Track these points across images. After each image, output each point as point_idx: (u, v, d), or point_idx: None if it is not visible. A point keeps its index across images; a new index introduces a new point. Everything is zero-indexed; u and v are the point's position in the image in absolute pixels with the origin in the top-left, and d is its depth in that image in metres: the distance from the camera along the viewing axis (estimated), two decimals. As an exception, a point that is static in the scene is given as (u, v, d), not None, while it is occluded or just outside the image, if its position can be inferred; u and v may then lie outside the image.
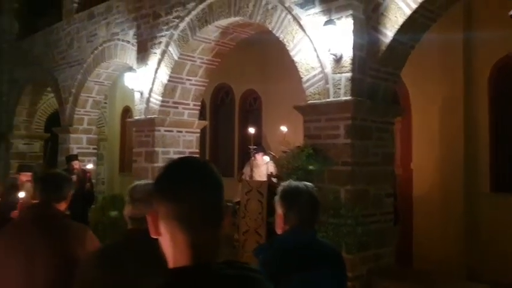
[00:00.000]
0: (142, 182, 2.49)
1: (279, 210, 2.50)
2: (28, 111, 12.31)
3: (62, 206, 3.02)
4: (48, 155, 10.51)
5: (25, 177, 6.82)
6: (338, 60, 5.09)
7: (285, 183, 2.58)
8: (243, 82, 9.99)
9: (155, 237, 1.20)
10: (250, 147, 6.77)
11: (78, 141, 9.99)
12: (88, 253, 2.68)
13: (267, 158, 7.19)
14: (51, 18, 11.02)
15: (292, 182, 2.58)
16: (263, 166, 7.17)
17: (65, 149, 9.85)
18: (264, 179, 6.71)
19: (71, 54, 10.12)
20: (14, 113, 12.24)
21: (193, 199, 1.17)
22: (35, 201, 6.15)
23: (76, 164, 8.31)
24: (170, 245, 1.16)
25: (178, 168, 1.23)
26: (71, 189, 3.13)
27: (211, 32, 7.02)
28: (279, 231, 2.53)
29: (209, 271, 1.13)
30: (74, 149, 9.66)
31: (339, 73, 5.09)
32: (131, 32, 8.41)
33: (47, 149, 11.16)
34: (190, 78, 7.64)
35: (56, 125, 10.71)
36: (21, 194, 5.44)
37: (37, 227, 2.77)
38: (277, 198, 2.51)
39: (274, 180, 6.49)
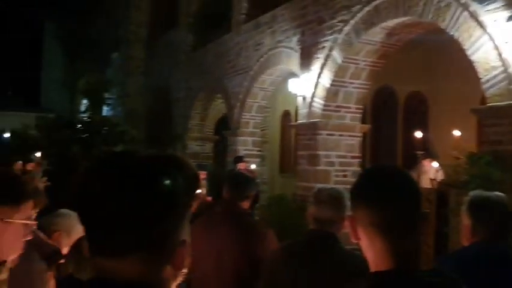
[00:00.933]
0: (327, 186, 2.59)
1: (466, 221, 2.35)
2: (201, 116, 13.51)
3: (246, 205, 3.25)
4: (219, 156, 11.40)
5: (201, 175, 7.53)
6: (524, 57, 4.60)
7: (473, 193, 2.42)
8: (407, 83, 9.60)
9: (355, 241, 1.24)
10: (418, 152, 6.48)
11: (245, 144, 10.68)
12: (272, 251, 2.85)
13: (436, 165, 6.79)
14: (221, 30, 11.96)
15: (482, 192, 2.41)
16: (431, 173, 6.79)
17: (233, 151, 10.60)
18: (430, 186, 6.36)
19: (239, 62, 10.86)
20: (189, 117, 13.55)
21: (395, 207, 1.18)
22: (208, 198, 6.69)
23: (242, 165, 8.89)
24: (370, 250, 1.18)
25: (379, 176, 1.25)
26: (254, 189, 3.36)
27: (377, 33, 6.91)
28: (465, 242, 2.39)
29: (412, 277, 1.13)
30: (241, 151, 10.33)
31: (525, 72, 4.60)
32: (295, 39, 8.70)
33: (217, 150, 12.11)
34: (353, 81, 7.62)
35: (225, 128, 11.61)
36: (198, 190, 6.03)
37: (226, 223, 3.04)
38: (464, 208, 2.38)
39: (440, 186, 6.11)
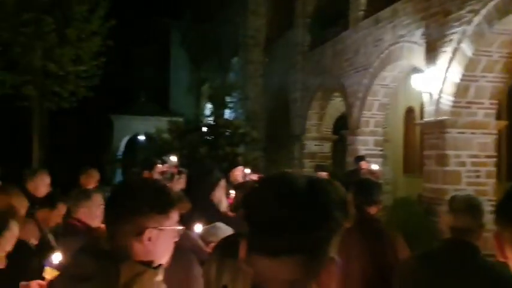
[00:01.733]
0: (462, 193, 2.47)
1: None
2: (318, 115, 13.53)
3: (373, 210, 3.21)
4: (338, 156, 11.32)
5: (322, 176, 7.53)
6: None
7: None
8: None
9: (502, 260, 1.17)
10: None
11: (365, 143, 10.46)
12: (404, 259, 2.78)
13: None
14: (338, 29, 11.86)
15: None
16: None
17: (353, 151, 10.45)
18: None
19: (357, 60, 10.68)
20: (306, 117, 13.64)
21: None
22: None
23: (364, 165, 8.72)
24: None
25: None
26: (381, 194, 3.31)
27: (512, 22, 6.34)
28: None
29: None
30: (361, 151, 10.14)
31: None
32: (418, 33, 8.32)
33: (336, 149, 12.04)
34: (486, 74, 7.07)
35: (343, 128, 11.48)
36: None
37: (353, 230, 2.99)
38: None
39: None
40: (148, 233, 1.53)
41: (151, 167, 5.68)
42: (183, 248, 2.27)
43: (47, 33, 10.97)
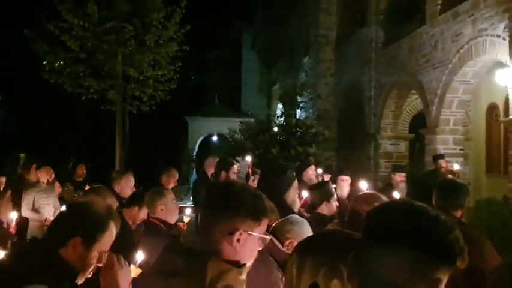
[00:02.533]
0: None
1: None
2: (394, 114, 13.14)
3: (458, 214, 3.09)
4: (415, 156, 10.95)
5: (400, 177, 7.29)
6: None
7: None
8: None
9: None
10: None
11: (445, 142, 10.04)
12: (495, 266, 2.65)
13: None
14: (414, 24, 11.47)
15: None
16: None
17: (432, 150, 10.06)
18: None
19: (435, 56, 10.27)
20: (381, 115, 13.30)
21: None
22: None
23: (443, 163, 8.36)
24: None
25: None
26: (467, 196, 3.18)
27: None
28: None
29: None
30: (441, 150, 9.74)
31: None
32: (501, 26, 7.86)
33: (413, 149, 11.64)
34: None
35: (420, 126, 11.07)
36: (396, 194, 5.82)
37: None
38: None
39: None
40: (238, 235, 1.60)
41: (228, 167, 5.75)
42: (264, 252, 2.33)
43: (127, 40, 11.58)
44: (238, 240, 1.60)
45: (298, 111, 16.10)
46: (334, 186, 5.12)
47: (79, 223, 1.95)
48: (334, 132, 15.39)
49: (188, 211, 4.57)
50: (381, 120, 13.30)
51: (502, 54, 7.79)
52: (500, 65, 7.93)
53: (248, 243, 1.63)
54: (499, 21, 7.94)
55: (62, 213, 2.01)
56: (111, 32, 11.41)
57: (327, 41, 16.99)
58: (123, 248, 3.48)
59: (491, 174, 11.81)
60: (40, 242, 2.05)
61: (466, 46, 9.02)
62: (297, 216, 2.91)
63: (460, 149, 10.25)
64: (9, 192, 5.84)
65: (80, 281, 1.95)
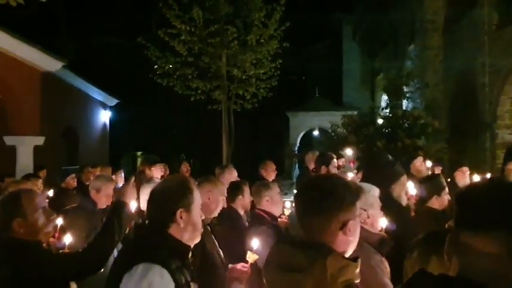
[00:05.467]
0: None
1: None
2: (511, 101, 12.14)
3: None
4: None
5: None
6: None
7: None
8: None
9: None
10: None
11: None
12: None
13: None
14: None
15: None
16: None
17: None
18: None
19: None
20: (498, 103, 12.32)
21: None
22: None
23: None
24: None
25: None
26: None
27: None
28: None
29: None
30: None
31: None
32: None
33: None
34: None
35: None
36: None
37: None
38: None
39: None
40: (349, 225, 1.71)
41: (328, 162, 5.79)
42: (361, 241, 2.34)
43: (230, 42, 11.99)
44: (350, 230, 1.71)
45: (404, 102, 15.48)
46: (449, 179, 4.91)
47: (174, 197, 2.12)
48: (444, 122, 14.54)
49: (288, 204, 4.66)
50: (497, 108, 12.33)
51: None
52: None
53: (357, 229, 1.76)
54: None
55: (152, 198, 2.17)
56: (215, 34, 11.90)
57: (434, 26, 16.11)
58: (239, 234, 3.70)
59: None
60: (151, 223, 2.19)
61: None
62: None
63: None
64: (133, 179, 6.37)
65: (193, 243, 2.16)
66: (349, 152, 8.97)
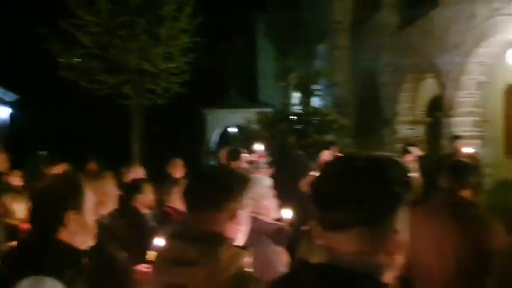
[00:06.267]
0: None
1: None
2: (410, 98, 12.96)
3: (467, 194, 3.04)
4: (432, 140, 10.82)
5: (410, 157, 7.32)
6: None
7: None
8: None
9: None
10: None
11: (462, 125, 9.91)
12: (501, 244, 2.62)
13: None
14: (427, 6, 11.27)
15: None
16: None
17: (448, 133, 9.94)
18: None
19: (449, 38, 10.10)
20: (397, 100, 13.14)
21: None
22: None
23: (460, 145, 8.32)
24: None
25: None
26: (477, 176, 3.13)
27: None
28: None
29: None
30: (458, 133, 9.60)
31: None
32: (515, 4, 7.71)
33: (430, 133, 11.52)
34: None
35: (437, 110, 10.92)
36: (413, 175, 5.87)
37: (447, 213, 2.89)
38: None
39: None
40: (238, 215, 1.74)
41: (237, 157, 5.92)
42: (257, 232, 2.37)
43: (140, 34, 11.67)
44: (239, 219, 1.74)
45: (316, 100, 16.03)
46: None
47: (61, 198, 1.89)
48: (352, 119, 15.27)
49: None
50: (396, 105, 13.16)
51: (516, 33, 7.63)
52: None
53: (245, 218, 1.79)
54: (511, -1, 7.79)
55: (35, 201, 1.94)
56: (124, 26, 11.51)
57: (342, 26, 16.81)
58: (138, 233, 3.60)
59: (510, 156, 11.59)
60: (36, 229, 1.95)
61: (480, 27, 8.86)
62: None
63: (478, 131, 10.10)
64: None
65: (86, 246, 1.92)
66: (259, 147, 9.11)
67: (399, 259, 1.11)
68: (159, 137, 20.04)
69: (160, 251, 1.77)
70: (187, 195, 1.80)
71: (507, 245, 2.51)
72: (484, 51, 9.16)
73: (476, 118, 10.08)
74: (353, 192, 1.06)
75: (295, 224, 3.30)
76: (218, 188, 1.73)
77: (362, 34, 15.66)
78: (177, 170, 6.14)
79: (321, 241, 1.13)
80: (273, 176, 6.04)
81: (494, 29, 8.41)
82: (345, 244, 1.08)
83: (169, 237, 1.82)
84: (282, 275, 1.29)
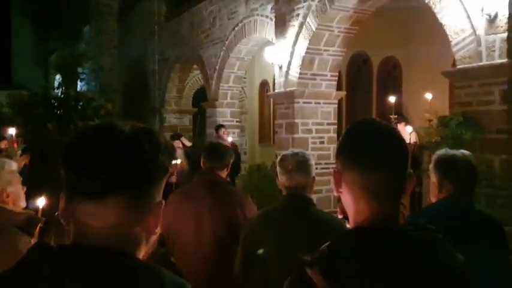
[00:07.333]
0: (289, 152, 2.62)
1: (434, 179, 2.45)
2: (178, 88, 13.41)
3: (224, 173, 3.33)
4: (198, 128, 11.36)
5: (176, 145, 7.58)
6: (492, 20, 4.69)
7: (440, 151, 2.52)
8: (381, 49, 9.68)
9: (337, 193, 1.21)
10: (391, 116, 6.60)
11: (223, 115, 10.69)
12: (250, 216, 2.95)
13: (409, 128, 6.96)
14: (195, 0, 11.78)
15: (448, 150, 2.51)
16: (405, 136, 6.96)
17: (212, 122, 10.62)
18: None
19: (214, 32, 10.76)
20: (166, 89, 13.42)
21: (382, 170, 1.13)
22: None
23: (224, 132, 8.97)
24: (352, 206, 1.17)
25: (366, 135, 1.19)
26: (232, 157, 3.43)
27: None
28: (433, 199, 2.49)
29: (394, 233, 1.11)
30: (220, 122, 10.35)
31: (493, 34, 4.70)
32: (269, 7, 8.65)
33: (196, 122, 12.09)
34: (328, 48, 7.63)
35: (203, 100, 11.57)
36: (177, 161, 6.08)
37: (205, 191, 3.14)
38: (431, 166, 2.47)
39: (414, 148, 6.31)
40: None
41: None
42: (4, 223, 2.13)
43: None
44: None
45: (80, 84, 15.08)
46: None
47: None
48: (119, 106, 14.91)
49: None
50: (165, 94, 13.42)
51: (270, 34, 8.59)
52: (270, 43, 8.74)
53: None
54: (267, 2, 8.72)
55: None
56: None
57: (109, 10, 16.23)
58: None
59: (263, 144, 13.13)
60: None
61: (240, 24, 9.67)
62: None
63: (237, 121, 11.07)
64: None
65: None
66: (10, 131, 8.09)
67: (155, 235, 1.03)
68: None
69: None
70: None
71: (252, 217, 2.81)
72: (243, 48, 10.05)
73: (236, 109, 11.01)
74: (115, 154, 0.94)
75: (48, 211, 3.04)
76: None
77: (130, 20, 15.43)
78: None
79: (67, 218, 0.98)
80: (29, 163, 5.48)
81: (252, 28, 9.29)
82: (101, 216, 0.94)
83: None
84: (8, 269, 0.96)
